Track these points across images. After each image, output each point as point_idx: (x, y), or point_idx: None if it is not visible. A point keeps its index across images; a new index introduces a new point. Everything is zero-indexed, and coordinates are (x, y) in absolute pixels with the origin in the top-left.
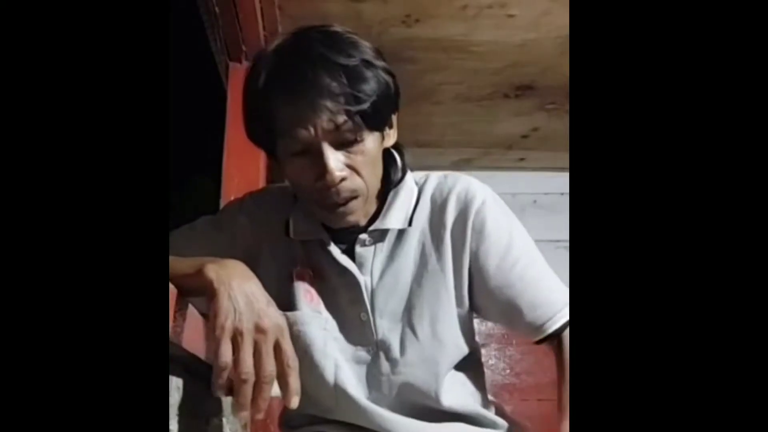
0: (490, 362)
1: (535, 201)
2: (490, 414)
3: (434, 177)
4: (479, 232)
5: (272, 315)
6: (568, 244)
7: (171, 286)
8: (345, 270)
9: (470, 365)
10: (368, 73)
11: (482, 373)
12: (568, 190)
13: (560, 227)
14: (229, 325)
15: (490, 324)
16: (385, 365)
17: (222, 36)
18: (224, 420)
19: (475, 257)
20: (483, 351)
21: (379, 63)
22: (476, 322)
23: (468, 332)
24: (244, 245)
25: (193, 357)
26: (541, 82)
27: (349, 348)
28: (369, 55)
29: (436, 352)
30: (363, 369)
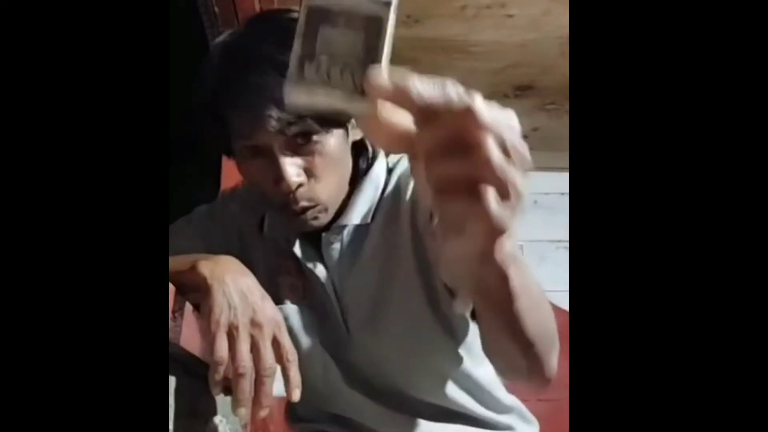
0: None
1: (535, 201)
2: (494, 415)
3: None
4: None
5: (268, 309)
6: (568, 244)
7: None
8: (310, 268)
9: (470, 364)
10: None
11: (483, 371)
12: (568, 190)
13: (560, 227)
14: (223, 321)
15: None
16: (363, 364)
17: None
18: (223, 420)
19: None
20: None
21: None
22: None
23: (451, 329)
24: (237, 234)
25: (192, 356)
26: (541, 82)
27: (328, 342)
28: None
29: (412, 349)
30: (342, 365)
